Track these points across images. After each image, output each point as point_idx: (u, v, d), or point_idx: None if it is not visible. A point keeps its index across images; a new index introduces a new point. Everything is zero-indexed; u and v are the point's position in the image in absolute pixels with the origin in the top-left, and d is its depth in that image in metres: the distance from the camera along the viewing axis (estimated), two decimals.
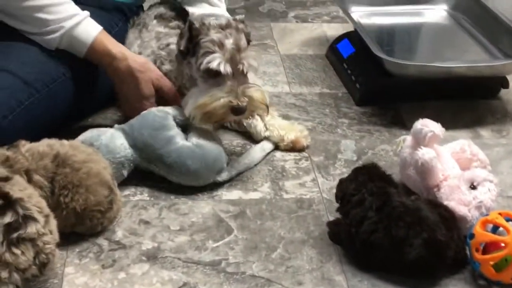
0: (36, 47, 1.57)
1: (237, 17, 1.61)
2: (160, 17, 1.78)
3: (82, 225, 1.38)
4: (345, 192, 1.39)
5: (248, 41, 1.59)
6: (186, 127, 1.58)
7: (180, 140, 1.53)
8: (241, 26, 1.58)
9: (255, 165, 1.63)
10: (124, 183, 1.53)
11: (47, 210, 1.26)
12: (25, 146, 1.36)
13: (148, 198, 1.52)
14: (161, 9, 1.81)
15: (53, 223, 1.27)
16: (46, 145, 1.39)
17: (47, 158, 1.35)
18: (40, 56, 1.57)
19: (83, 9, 1.59)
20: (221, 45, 1.51)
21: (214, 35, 1.52)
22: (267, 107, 1.58)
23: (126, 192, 1.53)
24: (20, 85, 1.52)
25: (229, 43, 1.52)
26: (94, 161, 1.41)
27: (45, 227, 1.23)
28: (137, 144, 1.52)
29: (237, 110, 1.51)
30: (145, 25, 1.76)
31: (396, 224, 1.30)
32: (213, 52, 1.51)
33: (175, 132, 1.53)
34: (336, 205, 1.48)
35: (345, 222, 1.38)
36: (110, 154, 1.49)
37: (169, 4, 1.85)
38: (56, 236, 1.26)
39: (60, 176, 1.35)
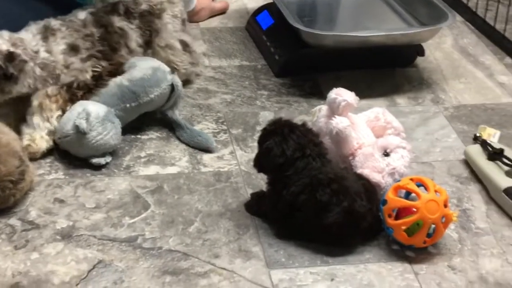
0: None
1: None
2: None
3: None
4: (287, 156, 1.33)
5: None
6: None
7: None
8: None
9: None
10: (38, 162, 1.51)
11: None
12: None
13: (63, 177, 1.50)
14: None
15: None
16: None
17: None
18: None
19: None
20: None
21: None
22: None
23: (41, 171, 1.51)
24: None
25: None
26: (3, 132, 1.39)
27: None
28: None
29: None
30: None
31: (323, 190, 1.31)
32: None
33: None
34: (255, 177, 1.49)
35: (274, 187, 1.37)
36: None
37: None
38: None
39: None
